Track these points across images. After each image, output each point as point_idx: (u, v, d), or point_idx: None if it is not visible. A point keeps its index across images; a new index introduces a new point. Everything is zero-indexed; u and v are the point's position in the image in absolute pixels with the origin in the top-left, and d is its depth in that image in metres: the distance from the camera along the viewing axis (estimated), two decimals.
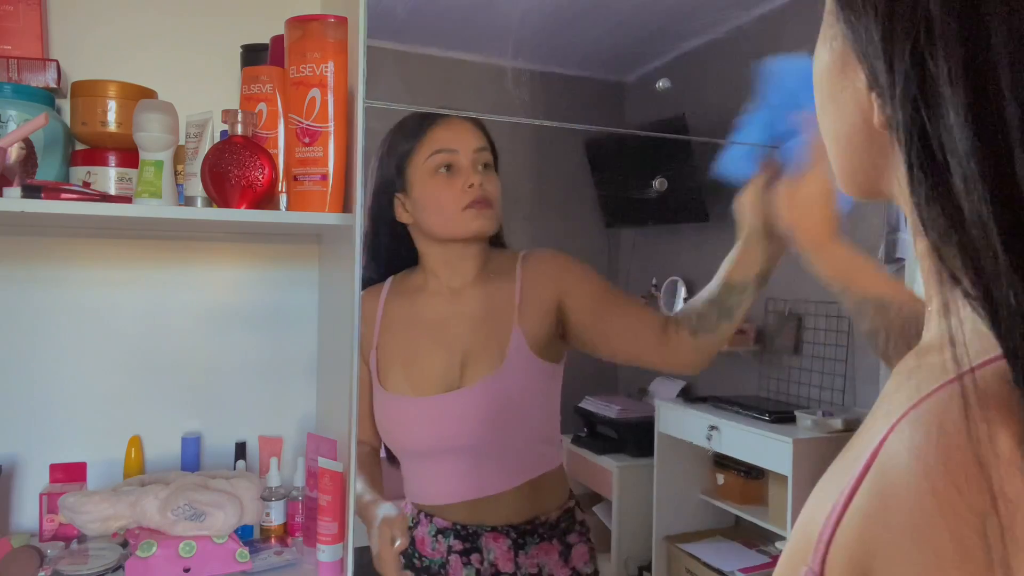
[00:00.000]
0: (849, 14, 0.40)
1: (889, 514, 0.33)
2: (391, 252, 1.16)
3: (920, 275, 0.43)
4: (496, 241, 1.17)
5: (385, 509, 0.95)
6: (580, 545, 1.13)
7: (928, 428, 0.33)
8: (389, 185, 1.11)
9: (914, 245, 0.38)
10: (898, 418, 0.35)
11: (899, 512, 0.33)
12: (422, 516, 1.13)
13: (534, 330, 1.08)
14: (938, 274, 0.36)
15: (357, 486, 1.06)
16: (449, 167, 1.07)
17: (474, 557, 1.09)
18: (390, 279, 1.18)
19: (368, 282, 1.19)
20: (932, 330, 0.41)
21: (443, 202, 1.07)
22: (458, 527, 1.10)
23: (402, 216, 1.12)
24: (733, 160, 0.98)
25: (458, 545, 1.09)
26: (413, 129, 1.09)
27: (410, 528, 1.12)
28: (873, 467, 0.35)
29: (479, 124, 1.12)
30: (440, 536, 1.11)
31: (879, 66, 0.37)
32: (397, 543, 0.90)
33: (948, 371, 0.34)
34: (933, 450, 0.32)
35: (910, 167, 0.36)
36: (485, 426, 1.06)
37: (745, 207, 1.00)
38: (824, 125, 0.47)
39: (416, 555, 1.15)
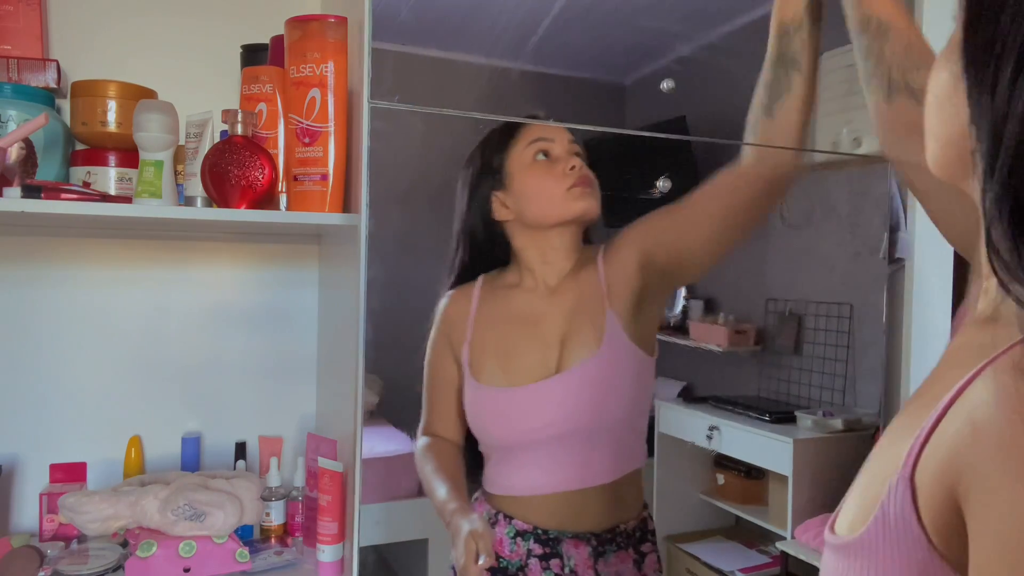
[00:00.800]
0: (972, 73, 0.43)
1: (979, 437, 0.39)
2: (485, 252, 1.17)
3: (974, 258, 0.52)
4: (584, 237, 1.19)
5: (473, 522, 0.92)
6: (652, 555, 1.13)
7: (1012, 373, 0.40)
8: (487, 184, 1.13)
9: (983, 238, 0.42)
10: (978, 368, 0.42)
11: (989, 435, 0.39)
12: (500, 516, 1.11)
13: (626, 309, 1.09)
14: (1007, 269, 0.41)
15: (440, 489, 1.04)
16: (547, 154, 1.11)
17: (554, 562, 1.07)
18: (481, 278, 1.18)
19: (458, 281, 1.20)
20: (989, 302, 0.48)
21: (546, 186, 1.09)
22: (538, 531, 1.08)
23: (501, 214, 1.13)
24: None
25: (538, 549, 1.07)
26: (504, 131, 1.14)
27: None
28: (957, 403, 0.42)
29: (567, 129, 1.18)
30: (519, 539, 1.09)
31: (983, 127, 0.41)
32: (482, 560, 0.88)
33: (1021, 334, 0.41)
34: (1016, 389, 0.39)
35: (983, 192, 0.41)
36: (584, 410, 1.06)
37: None
38: (929, 118, 0.50)
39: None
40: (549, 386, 1.07)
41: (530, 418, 1.07)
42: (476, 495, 1.17)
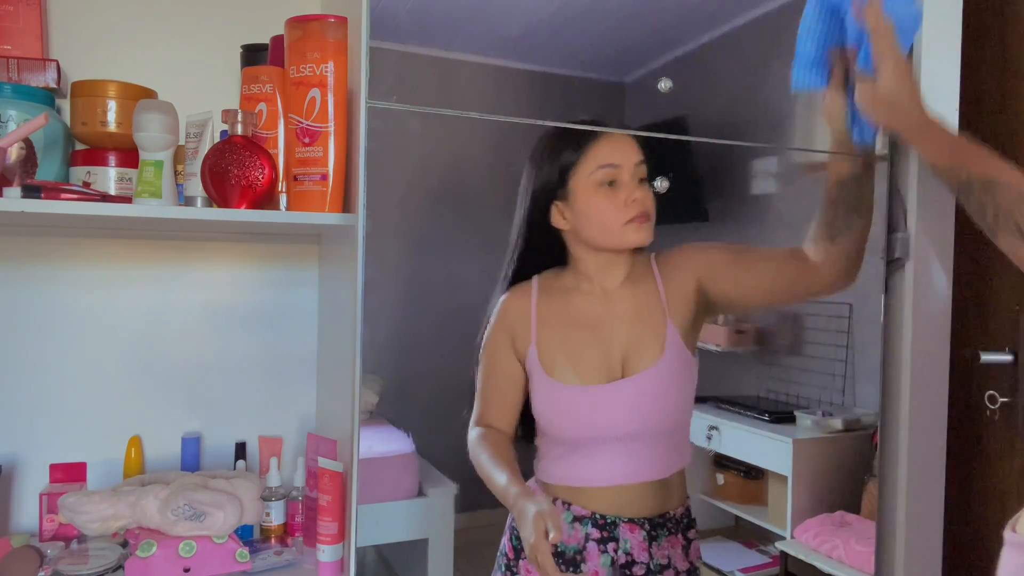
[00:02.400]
0: None
1: None
2: (541, 254, 1.19)
3: None
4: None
5: (539, 503, 0.97)
6: (696, 542, 1.22)
7: None
8: (549, 193, 1.15)
9: None
10: None
11: None
12: (558, 503, 1.16)
13: (684, 323, 1.15)
14: None
15: (500, 476, 1.07)
16: (612, 182, 1.11)
17: (611, 546, 1.13)
18: (535, 278, 1.20)
19: (512, 281, 1.21)
20: None
21: (606, 216, 1.11)
22: (596, 516, 1.14)
23: (559, 223, 1.15)
24: (802, 69, 1.03)
25: (596, 533, 1.13)
26: (577, 140, 1.14)
27: None
28: None
29: (636, 138, 1.17)
30: (577, 523, 1.15)
31: None
32: (552, 535, 0.93)
33: None
34: None
35: None
36: (648, 413, 1.13)
37: (829, 114, 1.06)
38: None
39: None
40: (620, 388, 1.12)
41: (601, 416, 1.13)
42: (529, 482, 1.20)
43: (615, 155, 1.12)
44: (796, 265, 1.15)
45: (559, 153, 1.14)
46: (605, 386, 1.13)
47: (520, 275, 1.21)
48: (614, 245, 1.13)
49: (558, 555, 1.14)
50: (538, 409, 1.16)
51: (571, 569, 1.14)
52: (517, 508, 1.00)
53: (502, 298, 1.19)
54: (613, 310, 1.16)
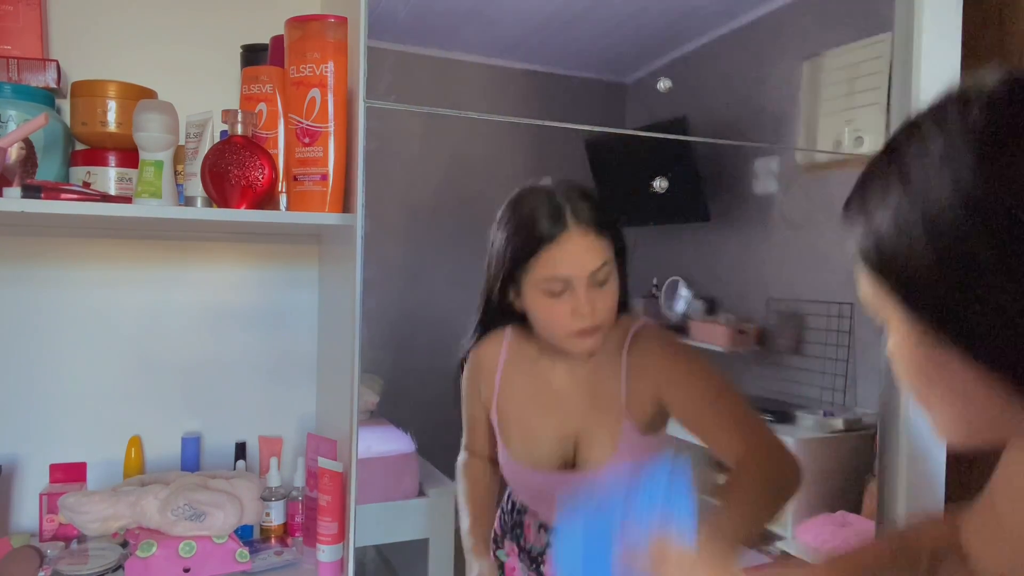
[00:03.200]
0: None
1: None
2: (508, 314, 1.11)
3: None
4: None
5: (482, 566, 1.03)
6: None
7: None
8: (505, 274, 1.06)
9: None
10: None
11: None
12: (528, 509, 1.18)
13: (642, 417, 1.08)
14: None
15: (465, 521, 1.13)
16: (560, 292, 1.01)
17: None
18: (509, 330, 1.15)
19: (485, 323, 1.16)
20: None
21: (552, 324, 1.03)
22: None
23: (515, 304, 1.08)
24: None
25: None
26: (533, 236, 1.01)
27: (514, 527, 1.19)
28: None
29: (605, 231, 1.02)
30: (543, 530, 1.16)
31: None
32: None
33: None
34: None
35: None
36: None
37: None
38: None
39: (521, 537, 1.19)
40: (569, 480, 1.09)
41: (551, 496, 1.11)
42: (509, 490, 1.22)
43: (568, 264, 0.99)
44: (732, 460, 1.02)
45: (512, 246, 1.03)
46: (554, 475, 1.09)
47: (491, 323, 1.16)
48: (561, 349, 1.05)
49: (526, 552, 1.18)
50: (499, 463, 1.16)
51: (535, 567, 1.16)
52: (467, 559, 1.10)
53: (477, 345, 1.16)
54: (575, 390, 1.10)
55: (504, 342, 1.16)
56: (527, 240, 1.01)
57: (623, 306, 1.10)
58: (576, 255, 0.99)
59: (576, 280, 0.99)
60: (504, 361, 1.15)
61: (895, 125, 0.51)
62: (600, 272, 1.01)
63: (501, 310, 1.10)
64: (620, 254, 1.07)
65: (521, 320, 1.10)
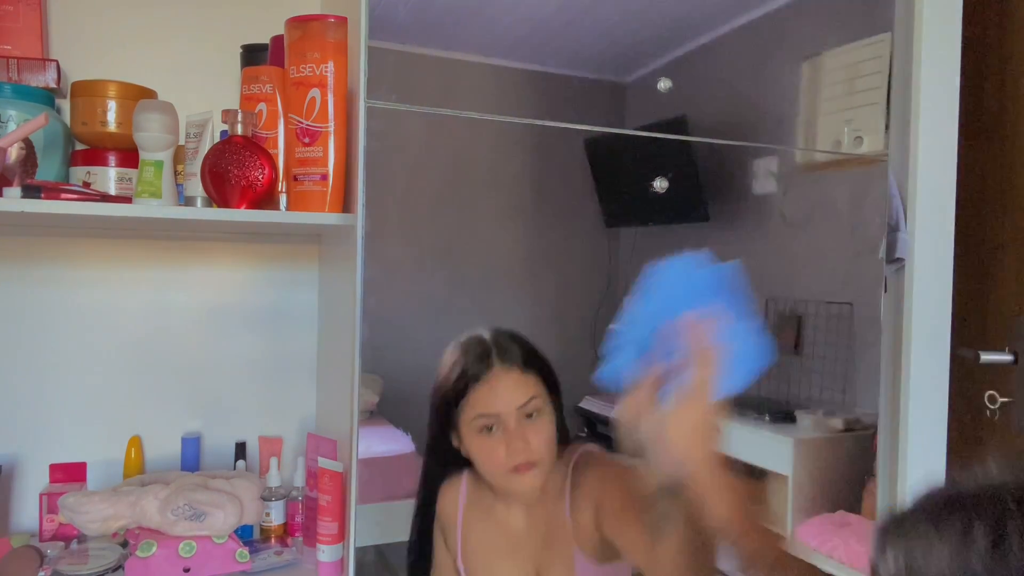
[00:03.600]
0: None
1: None
2: (458, 461, 1.13)
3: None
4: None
5: None
6: None
7: None
8: (445, 424, 1.09)
9: None
10: None
11: None
12: None
13: (591, 546, 1.08)
14: None
15: None
16: (491, 428, 1.04)
17: None
18: (466, 477, 1.16)
19: (444, 465, 1.17)
20: None
21: (490, 463, 1.05)
22: None
23: (461, 449, 1.10)
24: (611, 371, 0.81)
25: None
26: (457, 380, 1.06)
27: None
28: None
29: (531, 368, 1.06)
30: None
31: None
32: None
33: None
34: None
35: None
36: None
37: (628, 423, 0.83)
38: None
39: None
40: None
41: None
42: None
43: (493, 402, 1.02)
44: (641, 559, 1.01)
45: (444, 390, 1.07)
46: None
47: (445, 470, 1.17)
48: (505, 491, 1.06)
49: None
50: None
51: None
52: None
53: (441, 493, 1.16)
54: (531, 530, 1.11)
55: (462, 492, 1.16)
56: (456, 382, 1.06)
57: (563, 439, 1.10)
58: (501, 391, 1.04)
59: (505, 415, 1.03)
60: (463, 507, 1.15)
61: (895, 125, 0.50)
62: (528, 406, 1.04)
63: (451, 458, 1.11)
64: (554, 391, 1.09)
65: (471, 466, 1.11)
